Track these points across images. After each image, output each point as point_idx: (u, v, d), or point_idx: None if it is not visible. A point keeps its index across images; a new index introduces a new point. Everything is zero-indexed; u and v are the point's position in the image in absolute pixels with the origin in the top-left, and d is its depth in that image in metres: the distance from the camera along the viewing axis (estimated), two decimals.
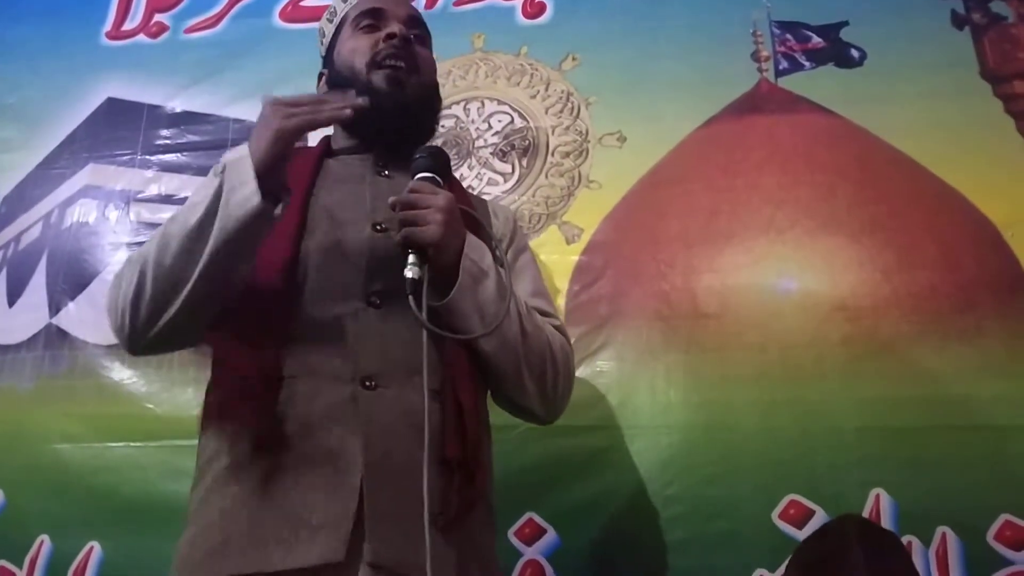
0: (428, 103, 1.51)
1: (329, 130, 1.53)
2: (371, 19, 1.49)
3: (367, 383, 1.21)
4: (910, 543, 1.61)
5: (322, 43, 1.60)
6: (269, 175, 1.18)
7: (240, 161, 1.19)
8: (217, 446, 1.21)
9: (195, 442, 1.83)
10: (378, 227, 1.33)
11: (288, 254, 1.28)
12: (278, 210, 1.21)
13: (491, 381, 1.35)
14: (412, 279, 1.17)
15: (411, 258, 1.20)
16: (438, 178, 1.31)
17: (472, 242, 1.29)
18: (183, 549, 1.18)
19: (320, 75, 1.57)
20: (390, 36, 1.44)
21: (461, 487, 1.19)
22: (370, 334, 1.25)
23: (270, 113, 1.20)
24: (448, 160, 1.38)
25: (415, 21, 1.53)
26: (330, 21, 1.58)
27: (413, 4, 1.59)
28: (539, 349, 1.33)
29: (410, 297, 1.16)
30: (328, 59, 1.55)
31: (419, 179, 1.29)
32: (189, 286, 1.19)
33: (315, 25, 2.34)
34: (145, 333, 1.24)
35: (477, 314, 1.26)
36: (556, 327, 1.41)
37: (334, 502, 1.13)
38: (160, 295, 1.21)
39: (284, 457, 1.17)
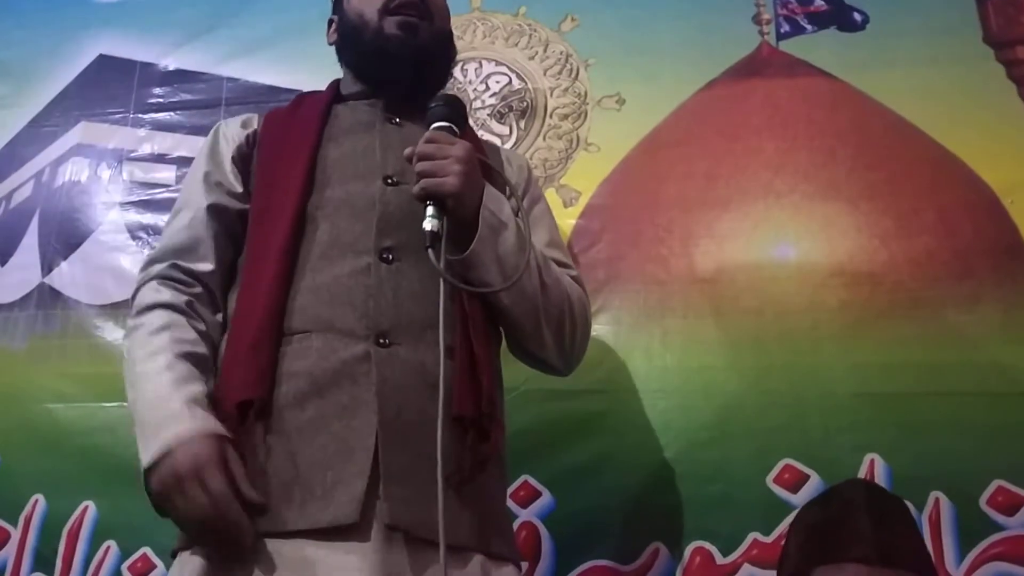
0: (442, 50, 1.49)
1: (339, 73, 1.51)
2: None
3: (381, 340, 1.20)
4: None
5: None
6: None
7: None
8: (228, 404, 1.19)
9: None
10: (389, 180, 1.32)
11: (294, 211, 1.27)
12: None
13: (509, 334, 1.35)
14: (431, 231, 1.16)
15: (429, 210, 1.18)
16: (455, 127, 1.28)
17: (491, 193, 1.28)
18: None
19: (330, 22, 1.54)
20: None
21: (474, 445, 1.18)
22: (383, 290, 1.23)
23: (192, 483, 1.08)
24: (464, 109, 1.36)
25: None
26: None
27: None
28: (558, 301, 1.32)
29: (428, 250, 1.14)
30: (338, 5, 1.52)
31: (435, 129, 1.27)
32: None
33: None
34: None
35: (496, 266, 1.24)
36: (573, 278, 1.41)
37: (348, 462, 1.12)
38: None
39: (297, 416, 1.16)
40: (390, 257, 1.26)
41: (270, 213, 1.29)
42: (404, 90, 1.43)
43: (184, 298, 1.27)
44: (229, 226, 1.36)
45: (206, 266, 1.32)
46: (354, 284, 1.23)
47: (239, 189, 1.38)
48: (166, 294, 1.27)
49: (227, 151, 1.40)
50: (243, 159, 1.40)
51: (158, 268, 1.30)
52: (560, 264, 1.40)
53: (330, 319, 1.21)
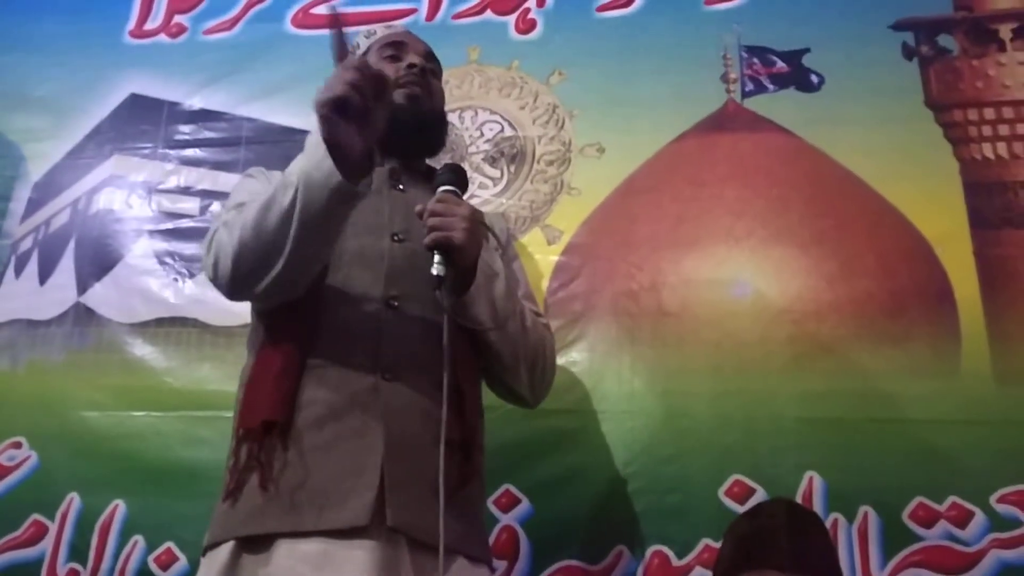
0: (438, 124, 1.70)
1: None
2: (393, 50, 1.68)
3: (386, 375, 1.39)
4: (836, 520, 1.83)
5: None
6: (339, 153, 1.28)
7: (317, 142, 1.30)
8: (254, 421, 1.36)
9: (208, 413, 2.10)
10: (395, 237, 1.51)
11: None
12: (361, 186, 1.31)
13: (490, 368, 1.54)
14: (438, 276, 1.33)
15: (437, 258, 1.34)
16: (458, 191, 1.48)
17: (486, 247, 1.48)
18: (223, 508, 1.35)
19: None
20: (411, 66, 1.64)
21: (461, 464, 1.38)
22: (389, 333, 1.43)
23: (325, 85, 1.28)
24: (466, 176, 1.54)
25: (430, 56, 1.72)
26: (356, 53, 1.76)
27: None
28: (534, 343, 1.54)
29: (436, 292, 1.33)
30: None
31: (443, 191, 1.45)
32: (284, 258, 1.33)
33: (325, 32, 2.54)
34: (247, 288, 1.39)
35: (489, 308, 1.44)
36: (544, 325, 1.63)
37: (359, 475, 1.31)
38: (259, 261, 1.35)
39: (316, 436, 1.34)
40: (395, 304, 1.45)
41: None
42: (406, 154, 1.63)
43: None
44: None
45: None
46: (365, 326, 1.43)
47: None
48: None
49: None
50: None
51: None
52: (535, 314, 1.61)
53: (345, 355, 1.40)
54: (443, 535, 1.24)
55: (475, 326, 1.43)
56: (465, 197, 1.51)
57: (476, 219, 1.43)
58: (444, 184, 1.47)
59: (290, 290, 1.40)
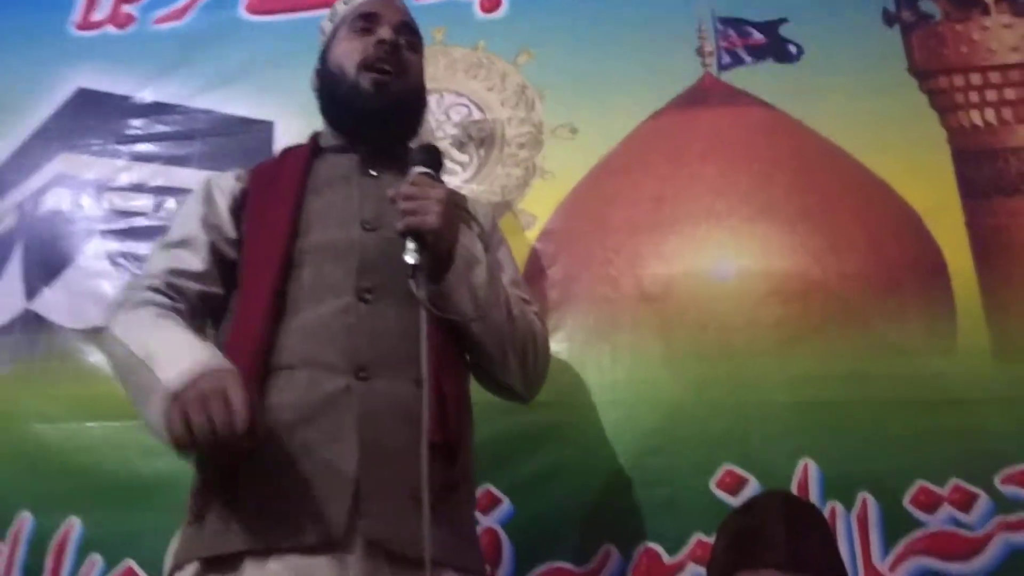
0: (412, 105, 1.60)
1: (309, 104, 1.62)
2: (366, 22, 1.57)
3: (360, 374, 1.30)
4: (834, 508, 1.76)
5: (321, 40, 1.67)
6: None
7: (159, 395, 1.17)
8: None
9: None
10: (367, 226, 1.42)
11: (281, 255, 1.37)
12: None
13: (478, 362, 1.44)
14: (412, 264, 1.26)
15: (410, 244, 1.27)
16: (433, 173, 1.38)
17: (465, 232, 1.39)
18: (188, 527, 1.26)
19: (316, 71, 1.64)
20: (380, 42, 1.53)
21: (445, 469, 1.28)
22: (362, 328, 1.33)
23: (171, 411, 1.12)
24: (441, 157, 1.44)
25: (407, 27, 1.61)
26: (330, 20, 1.66)
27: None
28: (523, 332, 1.43)
29: (410, 280, 1.24)
30: (323, 56, 1.63)
31: (417, 174, 1.36)
32: None
33: (280, 17, 2.48)
34: None
35: (469, 296, 1.34)
36: (535, 313, 1.52)
37: (333, 485, 1.22)
38: None
39: (286, 442, 1.24)
40: (368, 297, 1.36)
41: (260, 257, 1.38)
42: (375, 141, 1.53)
43: (178, 307, 1.37)
44: (220, 265, 1.45)
45: (196, 287, 1.41)
46: (336, 322, 1.33)
47: (233, 236, 1.47)
48: (160, 299, 1.36)
49: (223, 201, 1.50)
50: (237, 209, 1.50)
51: (149, 281, 1.39)
52: (524, 301, 1.51)
53: (314, 355, 1.31)
54: (429, 547, 1.14)
55: (455, 317, 1.33)
56: None
57: (453, 202, 1.35)
58: (417, 166, 1.38)
59: None
